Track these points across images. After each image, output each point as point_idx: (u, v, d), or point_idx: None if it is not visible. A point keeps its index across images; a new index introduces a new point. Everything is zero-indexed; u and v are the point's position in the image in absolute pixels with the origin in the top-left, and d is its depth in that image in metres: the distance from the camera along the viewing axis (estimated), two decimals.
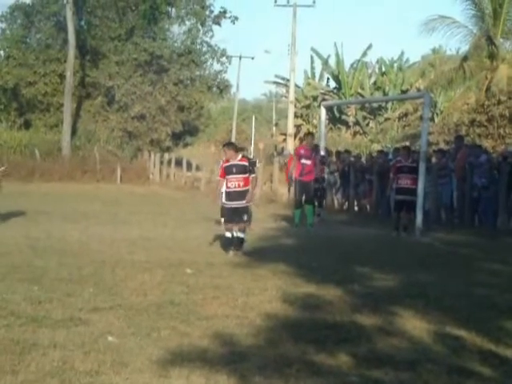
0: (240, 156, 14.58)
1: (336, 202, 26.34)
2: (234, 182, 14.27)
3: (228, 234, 14.40)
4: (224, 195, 14.61)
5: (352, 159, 26.78)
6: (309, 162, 19.56)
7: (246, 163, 14.52)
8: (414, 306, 9.10)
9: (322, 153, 21.92)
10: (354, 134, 67.28)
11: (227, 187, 14.47)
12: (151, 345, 7.15)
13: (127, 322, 8.03)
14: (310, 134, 21.80)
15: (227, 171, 14.35)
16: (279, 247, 15.39)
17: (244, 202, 14.33)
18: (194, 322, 8.16)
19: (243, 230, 14.37)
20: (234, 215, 14.38)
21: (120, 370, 6.33)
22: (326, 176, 22.63)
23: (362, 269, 12.32)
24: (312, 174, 19.70)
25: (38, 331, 7.52)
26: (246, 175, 14.34)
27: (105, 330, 7.66)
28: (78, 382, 6.08)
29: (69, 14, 45.53)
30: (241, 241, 14.33)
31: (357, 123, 67.44)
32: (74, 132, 47.40)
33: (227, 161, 14.46)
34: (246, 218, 14.49)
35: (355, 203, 25.60)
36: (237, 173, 14.26)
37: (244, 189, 14.31)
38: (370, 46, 69.59)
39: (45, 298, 9.08)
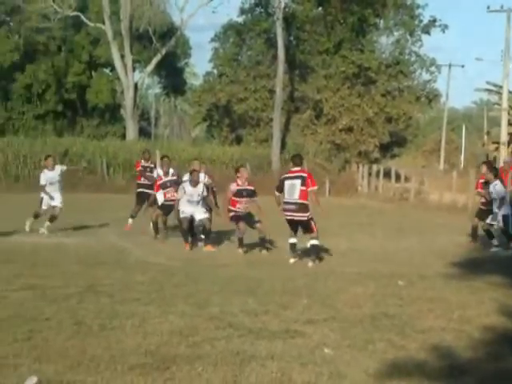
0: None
1: None
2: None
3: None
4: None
5: None
6: None
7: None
8: None
9: None
10: None
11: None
12: (367, 357, 7.11)
13: (342, 334, 8.03)
14: None
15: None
16: (494, 258, 14.89)
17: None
18: (410, 335, 8.04)
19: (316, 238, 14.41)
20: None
21: (337, 382, 6.33)
22: None
23: None
24: None
25: (255, 343, 7.63)
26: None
27: (320, 341, 7.68)
28: None
29: (279, 30, 46.58)
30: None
31: None
32: (283, 146, 48.29)
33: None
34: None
35: None
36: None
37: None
38: None
39: (260, 310, 9.23)
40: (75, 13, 56.55)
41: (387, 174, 44.15)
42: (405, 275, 12.35)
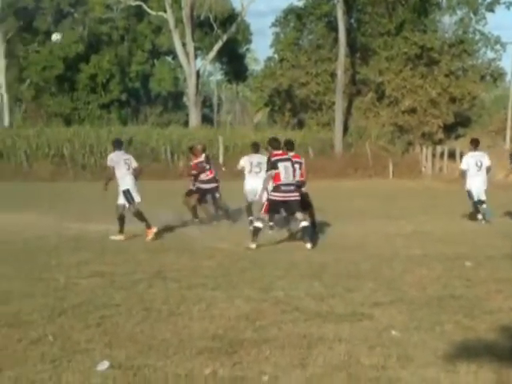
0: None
1: None
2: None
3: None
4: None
5: None
6: None
7: None
8: None
9: None
10: None
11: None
12: (435, 339, 7.09)
13: (409, 316, 8.01)
14: None
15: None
16: None
17: None
18: (479, 316, 7.99)
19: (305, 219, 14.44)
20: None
21: (406, 365, 6.33)
22: None
23: None
24: None
25: (322, 326, 7.67)
26: None
27: (387, 324, 7.69)
28: (365, 376, 6.12)
29: (339, 13, 46.25)
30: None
31: None
32: (345, 129, 48.05)
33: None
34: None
35: None
36: None
37: None
38: None
39: (326, 294, 9.25)
40: (137, 2, 57.19)
41: (452, 155, 43.60)
42: (472, 256, 12.24)
